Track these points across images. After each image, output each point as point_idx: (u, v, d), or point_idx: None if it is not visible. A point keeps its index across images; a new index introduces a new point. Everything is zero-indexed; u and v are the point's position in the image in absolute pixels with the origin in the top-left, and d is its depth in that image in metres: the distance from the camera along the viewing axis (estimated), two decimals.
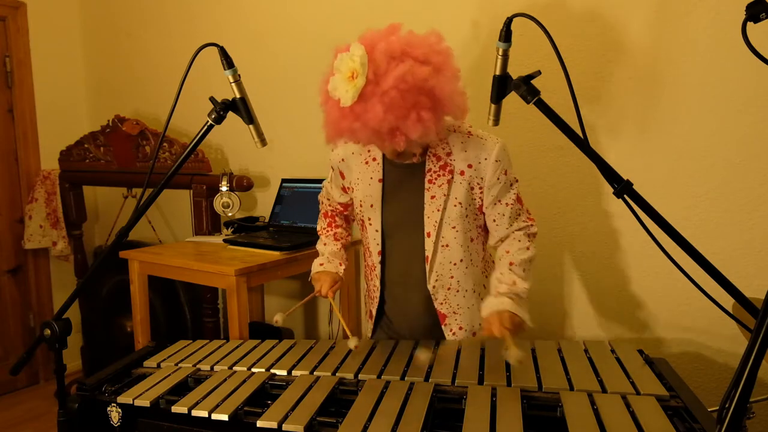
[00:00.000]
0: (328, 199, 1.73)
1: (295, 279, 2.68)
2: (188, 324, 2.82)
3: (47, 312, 3.29)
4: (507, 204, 1.45)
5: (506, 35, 1.10)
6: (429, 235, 1.45)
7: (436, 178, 1.44)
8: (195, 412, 1.20)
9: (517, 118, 1.97)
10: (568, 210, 1.96)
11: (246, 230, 2.50)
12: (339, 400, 1.26)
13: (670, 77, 1.74)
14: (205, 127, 1.26)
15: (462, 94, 1.32)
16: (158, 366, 1.49)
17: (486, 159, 1.41)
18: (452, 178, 1.43)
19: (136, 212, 1.24)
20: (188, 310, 2.83)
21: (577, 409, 1.11)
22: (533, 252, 1.46)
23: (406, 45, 1.24)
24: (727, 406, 0.67)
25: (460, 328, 1.52)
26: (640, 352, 1.40)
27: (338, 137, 1.30)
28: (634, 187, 1.03)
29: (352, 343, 1.41)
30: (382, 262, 1.54)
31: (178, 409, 1.22)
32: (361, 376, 1.32)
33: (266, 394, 1.33)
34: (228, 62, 1.23)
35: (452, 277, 1.49)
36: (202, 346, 1.61)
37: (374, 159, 1.52)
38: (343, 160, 1.57)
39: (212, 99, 1.26)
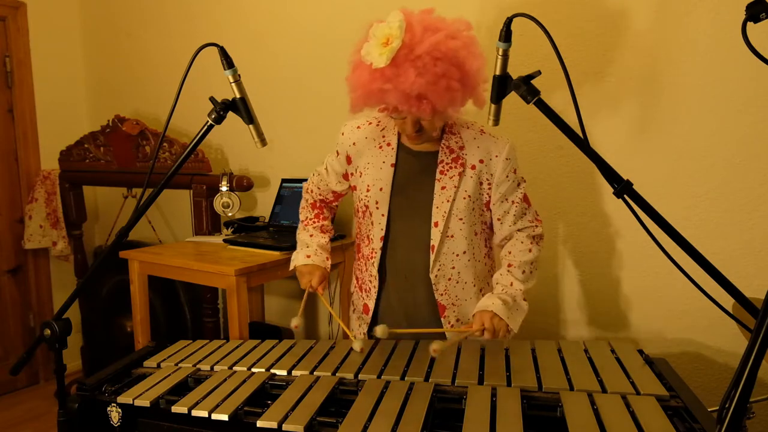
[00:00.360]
0: (319, 188, 1.71)
1: (295, 279, 2.67)
2: (188, 324, 2.82)
3: (47, 312, 3.29)
4: (513, 202, 1.48)
5: (506, 35, 1.10)
6: (436, 224, 1.47)
7: (447, 170, 1.47)
8: (195, 412, 1.20)
9: (517, 118, 1.97)
10: (568, 210, 1.96)
11: (246, 230, 2.50)
12: (339, 400, 1.26)
13: (670, 77, 1.74)
14: (205, 127, 1.26)
15: (485, 80, 1.35)
16: (158, 366, 1.49)
17: (497, 156, 1.46)
18: (464, 171, 1.46)
19: (136, 212, 1.24)
20: (188, 310, 2.83)
21: (577, 409, 1.11)
22: (536, 254, 1.48)
23: (439, 22, 1.30)
24: (727, 406, 0.67)
25: (458, 320, 1.53)
26: (640, 352, 1.40)
27: (366, 101, 1.33)
28: (634, 187, 1.03)
29: (357, 345, 1.41)
30: (384, 249, 1.54)
31: (178, 409, 1.22)
32: (361, 376, 1.32)
33: (266, 394, 1.33)
34: (228, 62, 1.23)
35: (454, 268, 1.50)
36: (202, 346, 1.61)
37: (389, 144, 1.53)
38: (354, 144, 1.56)
39: (212, 99, 1.26)
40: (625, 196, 1.02)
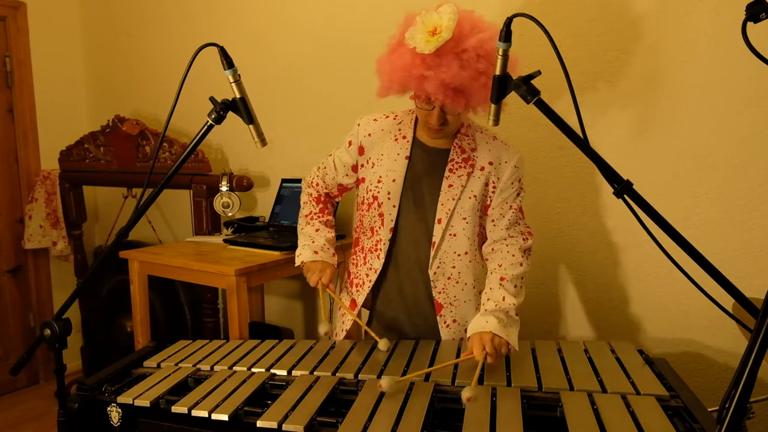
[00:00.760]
0: (325, 182, 1.69)
1: (295, 279, 2.68)
2: (188, 324, 2.82)
3: (47, 312, 3.29)
4: (510, 207, 1.49)
5: (506, 35, 1.10)
6: (440, 221, 1.48)
7: (457, 169, 1.48)
8: (195, 412, 1.21)
9: (517, 118, 1.97)
10: (568, 210, 1.96)
11: (246, 230, 2.50)
12: (339, 400, 1.26)
13: (670, 77, 1.74)
14: (205, 127, 1.26)
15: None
16: (158, 366, 1.49)
17: (507, 162, 1.48)
18: (472, 171, 1.48)
19: (136, 212, 1.24)
20: (188, 310, 2.83)
21: (577, 409, 1.11)
22: (526, 268, 1.46)
23: (483, 22, 1.34)
24: (727, 406, 0.67)
25: (454, 321, 1.53)
26: (640, 352, 1.40)
27: (404, 84, 1.34)
28: (634, 187, 1.03)
29: (383, 345, 1.41)
30: (392, 240, 1.53)
31: (178, 409, 1.22)
32: (361, 376, 1.32)
33: (266, 394, 1.33)
34: (228, 62, 1.23)
35: (454, 267, 1.50)
36: (202, 346, 1.61)
37: (404, 137, 1.53)
38: (369, 135, 1.56)
39: (212, 99, 1.26)
40: (625, 196, 1.02)
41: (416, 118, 1.52)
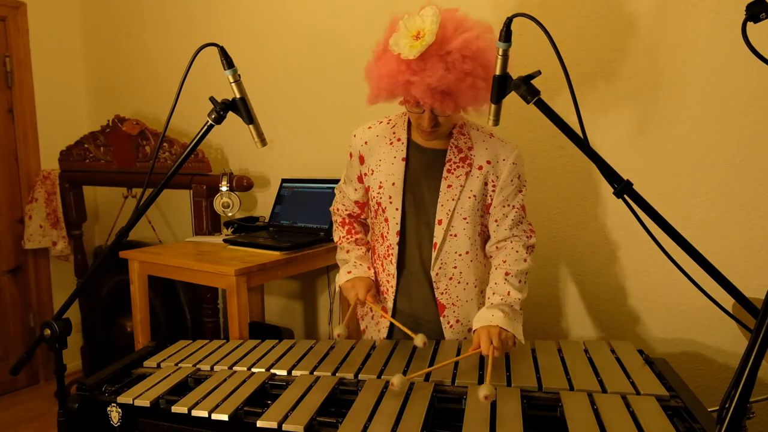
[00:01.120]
0: (344, 205, 1.71)
1: (295, 279, 2.68)
2: (188, 324, 2.82)
3: (47, 312, 3.29)
4: (513, 207, 1.48)
5: (506, 35, 1.10)
6: (440, 222, 1.48)
7: (455, 169, 1.47)
8: (195, 412, 1.21)
9: (517, 118, 1.97)
10: (568, 210, 1.96)
11: (246, 230, 2.50)
12: (339, 400, 1.26)
13: (670, 77, 1.74)
14: (205, 127, 1.26)
15: None
16: (158, 366, 1.49)
17: (504, 159, 1.46)
18: (470, 171, 1.47)
19: (136, 212, 1.24)
20: (188, 310, 2.82)
21: (577, 409, 1.11)
22: (530, 264, 1.46)
23: (468, 21, 1.32)
24: (727, 406, 0.67)
25: (457, 321, 1.53)
26: (640, 352, 1.40)
27: (391, 91, 1.34)
28: (634, 187, 1.03)
29: (419, 341, 1.37)
30: (401, 244, 1.53)
31: (178, 409, 1.22)
32: (361, 376, 1.32)
33: (266, 394, 1.33)
34: (228, 62, 1.23)
35: (456, 267, 1.50)
36: (202, 346, 1.61)
37: (399, 139, 1.54)
38: (366, 143, 1.57)
39: (212, 99, 1.26)
40: (625, 196, 1.02)
41: (410, 120, 1.52)
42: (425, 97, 1.30)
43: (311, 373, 1.37)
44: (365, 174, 1.58)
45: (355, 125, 1.62)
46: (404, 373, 1.32)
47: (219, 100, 1.26)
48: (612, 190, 1.03)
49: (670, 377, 1.26)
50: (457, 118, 1.46)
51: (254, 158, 2.74)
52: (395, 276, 1.54)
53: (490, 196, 1.49)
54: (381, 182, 1.53)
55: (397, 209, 1.52)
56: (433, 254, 1.49)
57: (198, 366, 1.46)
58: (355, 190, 1.64)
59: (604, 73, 1.84)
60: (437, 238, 1.48)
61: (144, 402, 1.27)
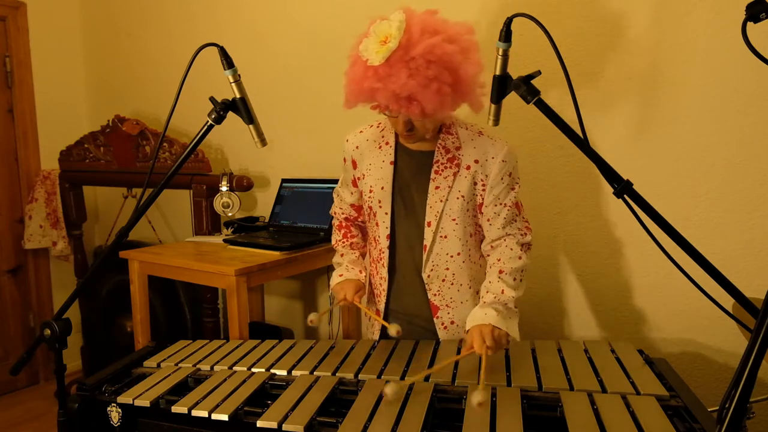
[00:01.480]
0: (341, 208, 1.72)
1: (295, 279, 2.68)
2: (188, 324, 2.82)
3: (47, 312, 3.29)
4: (505, 205, 1.45)
5: (506, 35, 1.10)
6: (429, 224, 1.47)
7: (442, 170, 1.46)
8: (195, 412, 1.21)
9: (517, 118, 1.97)
10: (568, 210, 1.96)
11: (246, 230, 2.49)
12: (339, 400, 1.26)
13: (670, 77, 1.74)
14: (205, 127, 1.26)
15: (482, 85, 1.35)
16: (158, 366, 1.49)
17: (493, 158, 1.44)
18: (458, 171, 1.46)
19: (136, 212, 1.24)
20: (188, 310, 2.82)
21: (577, 409, 1.11)
22: (525, 261, 1.45)
23: (441, 24, 1.30)
24: (727, 406, 0.67)
25: (452, 323, 1.52)
26: (640, 352, 1.40)
27: (358, 97, 1.33)
28: (634, 187, 1.03)
29: (393, 330, 1.40)
30: (391, 247, 1.54)
31: (178, 409, 1.22)
32: (361, 376, 1.32)
33: (266, 394, 1.33)
34: (228, 62, 1.23)
35: (448, 269, 1.49)
36: (202, 346, 1.61)
37: (387, 143, 1.54)
38: (357, 147, 1.57)
39: (212, 99, 1.26)
40: (625, 196, 1.02)
41: None
42: (390, 104, 1.29)
43: (311, 373, 1.37)
44: (359, 178, 1.59)
45: (355, 125, 1.62)
46: (403, 374, 1.32)
47: (219, 100, 1.26)
48: (612, 190, 1.03)
49: (670, 377, 1.26)
50: (444, 117, 1.43)
51: (254, 158, 2.74)
52: (387, 279, 1.55)
53: (481, 195, 1.47)
54: (371, 186, 1.53)
55: (386, 213, 1.52)
56: (424, 256, 1.48)
57: (198, 366, 1.46)
58: (351, 193, 1.65)
59: (604, 73, 1.84)
60: (427, 240, 1.47)
61: (144, 402, 1.27)
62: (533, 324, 2.05)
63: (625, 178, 1.03)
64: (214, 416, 1.18)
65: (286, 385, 1.31)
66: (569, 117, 1.07)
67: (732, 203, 1.69)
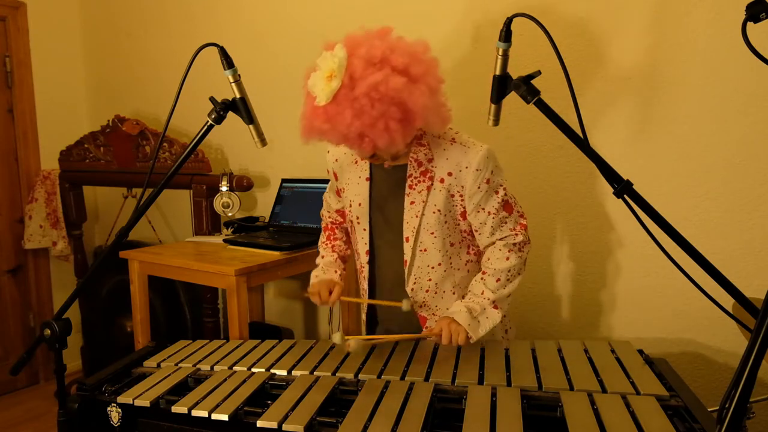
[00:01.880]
0: (328, 212, 1.74)
1: (295, 279, 2.68)
2: (188, 324, 2.82)
3: (47, 312, 3.29)
4: (489, 213, 1.43)
5: (506, 35, 1.10)
6: (407, 239, 1.47)
7: (416, 184, 1.45)
8: (195, 412, 1.20)
9: (517, 118, 1.97)
10: (568, 210, 1.96)
11: (246, 230, 2.49)
12: (339, 400, 1.26)
13: (670, 77, 1.74)
14: (205, 127, 1.26)
15: (441, 105, 1.33)
16: (158, 366, 1.49)
17: (467, 167, 1.40)
18: (432, 184, 1.43)
19: (136, 212, 1.24)
20: (188, 310, 2.82)
21: (577, 409, 1.11)
22: (514, 261, 1.43)
23: (389, 51, 1.25)
24: (727, 406, 0.67)
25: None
26: (640, 352, 1.40)
27: (310, 134, 1.31)
28: (634, 187, 1.03)
29: (337, 338, 1.40)
30: (371, 262, 1.55)
31: (178, 409, 1.22)
32: (361, 376, 1.32)
33: (266, 394, 1.33)
34: (228, 62, 1.23)
35: (430, 279, 1.50)
36: (202, 346, 1.61)
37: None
38: (336, 160, 1.59)
39: (212, 99, 1.26)
40: (625, 196, 1.02)
41: None
42: (341, 142, 1.29)
43: (311, 373, 1.37)
44: (341, 189, 1.61)
45: None
46: (403, 374, 1.32)
47: (219, 100, 1.26)
48: (612, 190, 1.03)
49: (670, 377, 1.26)
50: (393, 147, 1.34)
51: (254, 158, 2.74)
52: (368, 292, 1.57)
53: (461, 205, 1.45)
54: (351, 201, 1.55)
55: (365, 230, 1.53)
56: (406, 270, 1.49)
57: (198, 366, 1.46)
58: (338, 200, 1.67)
59: (604, 73, 1.84)
60: (407, 255, 1.48)
61: (144, 402, 1.27)
62: (533, 324, 2.05)
63: (625, 178, 1.03)
64: (214, 416, 1.18)
65: (286, 385, 1.31)
66: (569, 117, 1.07)
67: (732, 203, 1.69)
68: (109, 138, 2.92)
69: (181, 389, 1.35)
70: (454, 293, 1.52)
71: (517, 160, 2.00)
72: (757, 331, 0.68)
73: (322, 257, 1.69)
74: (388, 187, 1.50)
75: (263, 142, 1.31)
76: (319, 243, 1.74)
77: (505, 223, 1.45)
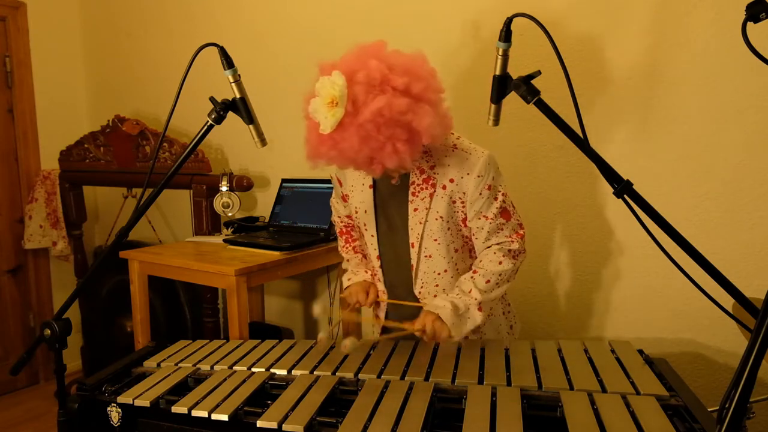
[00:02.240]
0: (339, 217, 1.75)
1: (295, 279, 2.68)
2: (188, 324, 2.82)
3: (47, 312, 3.29)
4: (487, 218, 1.43)
5: (506, 35, 1.10)
6: (413, 245, 1.49)
7: (419, 191, 1.46)
8: (195, 412, 1.21)
9: (517, 118, 1.97)
10: (568, 210, 1.96)
11: (246, 230, 2.49)
12: (339, 400, 1.26)
13: (670, 77, 1.74)
14: (205, 127, 1.26)
15: (443, 117, 1.34)
16: (158, 366, 1.49)
17: (468, 174, 1.41)
18: (434, 191, 1.44)
19: (136, 212, 1.24)
20: (188, 310, 2.82)
21: (577, 409, 1.11)
22: (507, 266, 1.42)
23: (388, 71, 1.24)
24: (727, 406, 0.67)
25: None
26: (640, 352, 1.40)
27: (317, 159, 1.31)
28: (634, 187, 1.03)
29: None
30: (383, 266, 1.57)
31: (178, 409, 1.22)
32: (361, 376, 1.32)
33: (266, 394, 1.33)
34: (228, 62, 1.23)
35: (437, 285, 1.51)
36: (202, 346, 1.61)
37: None
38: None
39: (212, 99, 1.26)
40: (625, 196, 1.02)
41: None
42: (350, 166, 1.31)
43: (311, 372, 1.37)
44: (346, 195, 1.62)
45: None
46: (403, 374, 1.32)
47: (219, 100, 1.26)
48: (612, 190, 1.03)
49: (670, 377, 1.26)
50: (403, 167, 1.36)
51: (254, 158, 2.74)
52: (386, 293, 1.58)
53: (462, 211, 1.45)
54: (356, 207, 1.57)
55: (372, 235, 1.55)
56: (413, 274, 1.51)
57: (198, 366, 1.46)
58: (345, 206, 1.69)
59: (604, 73, 1.84)
60: (413, 260, 1.50)
61: (144, 402, 1.27)
62: (533, 324, 2.05)
63: (625, 178, 1.03)
64: (214, 416, 1.18)
65: (286, 384, 1.31)
66: (569, 117, 1.07)
67: (732, 203, 1.69)
68: (109, 138, 2.92)
69: (181, 389, 1.35)
70: None
71: (517, 160, 2.00)
72: (757, 331, 0.68)
73: (348, 260, 1.69)
74: (390, 194, 1.51)
75: (263, 142, 1.31)
76: (339, 248, 1.74)
77: (502, 229, 1.45)
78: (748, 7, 0.89)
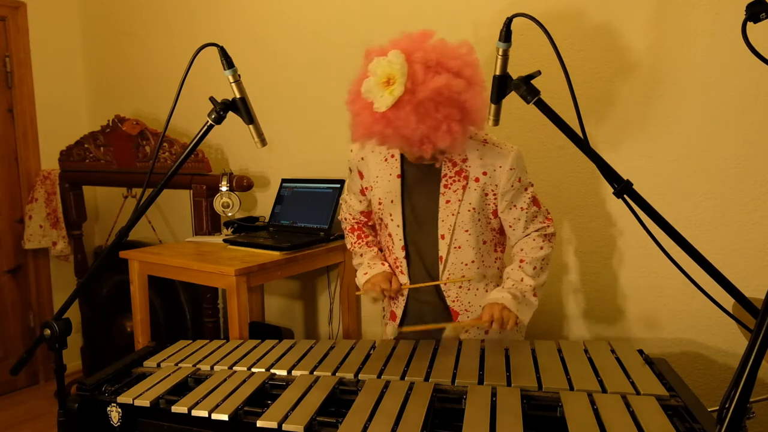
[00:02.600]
0: (350, 214, 1.74)
1: (295, 279, 2.68)
2: (188, 324, 2.82)
3: (47, 312, 3.29)
4: (522, 208, 1.49)
5: (506, 35, 1.10)
6: (443, 237, 1.50)
7: (451, 184, 1.48)
8: (195, 412, 1.21)
9: (517, 118, 1.97)
10: (568, 210, 1.96)
11: (246, 230, 2.50)
12: (339, 400, 1.26)
13: (670, 77, 1.74)
14: (205, 127, 1.26)
15: (487, 105, 1.34)
16: (158, 366, 1.49)
17: (501, 167, 1.46)
18: (467, 184, 1.47)
19: (136, 212, 1.24)
20: (188, 310, 2.82)
21: (577, 409, 1.11)
22: (547, 251, 1.50)
23: (441, 55, 1.27)
24: (727, 406, 0.67)
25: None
26: (640, 352, 1.40)
27: (368, 139, 1.32)
28: (634, 187, 1.03)
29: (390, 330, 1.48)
30: (407, 257, 1.56)
31: (178, 409, 1.22)
32: (361, 376, 1.32)
33: (266, 394, 1.33)
34: (228, 62, 1.23)
35: (463, 276, 1.52)
36: (202, 346, 1.61)
37: (392, 156, 1.55)
38: (362, 159, 1.59)
39: (212, 99, 1.26)
40: (625, 196, 1.02)
41: None
42: (402, 147, 1.31)
43: (311, 373, 1.37)
44: (367, 188, 1.61)
45: None
46: (403, 374, 1.32)
47: (219, 100, 1.26)
48: (612, 190, 1.03)
49: (670, 377, 1.26)
50: (454, 148, 1.41)
51: (254, 158, 2.74)
52: (408, 285, 1.58)
53: (493, 203, 1.50)
54: (380, 198, 1.56)
55: (398, 226, 1.55)
56: (440, 267, 1.52)
57: (198, 366, 1.46)
58: (360, 201, 1.68)
59: (604, 73, 1.84)
60: (442, 251, 1.51)
61: (144, 402, 1.27)
62: (533, 324, 2.04)
63: (625, 178, 1.03)
64: (214, 416, 1.18)
65: (286, 385, 1.31)
66: (569, 117, 1.07)
67: (732, 203, 1.69)
68: (109, 138, 2.92)
69: (181, 389, 1.35)
70: (487, 290, 1.55)
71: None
72: (757, 331, 0.68)
73: (361, 255, 1.68)
74: (419, 184, 1.53)
75: (263, 142, 1.30)
76: (350, 245, 1.73)
77: (536, 216, 1.52)
78: (748, 7, 0.89)
